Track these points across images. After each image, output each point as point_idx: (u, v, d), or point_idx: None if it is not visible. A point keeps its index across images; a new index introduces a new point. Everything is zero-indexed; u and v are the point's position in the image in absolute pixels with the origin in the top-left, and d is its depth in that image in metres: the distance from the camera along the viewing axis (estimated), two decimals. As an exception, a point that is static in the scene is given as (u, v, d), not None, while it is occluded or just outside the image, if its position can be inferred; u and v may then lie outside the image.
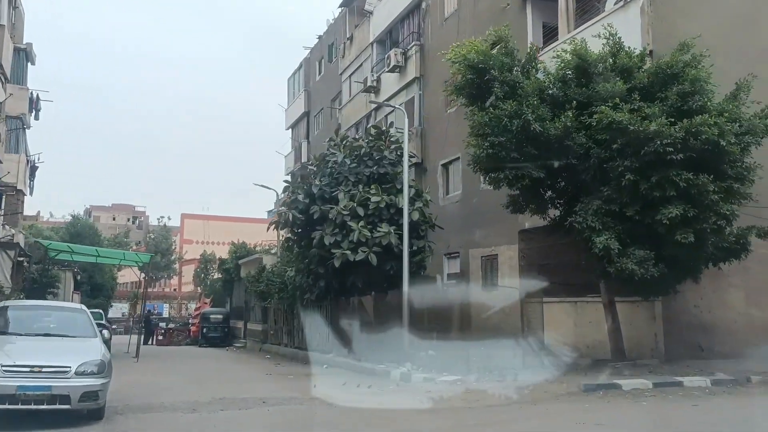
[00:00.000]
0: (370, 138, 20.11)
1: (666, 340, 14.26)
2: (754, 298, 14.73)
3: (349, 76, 32.68)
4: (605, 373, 12.15)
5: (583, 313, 15.57)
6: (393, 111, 26.10)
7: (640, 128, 11.42)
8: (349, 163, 19.21)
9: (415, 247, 18.15)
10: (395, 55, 26.24)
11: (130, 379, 15.20)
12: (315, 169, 20.32)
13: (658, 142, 11.33)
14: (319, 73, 39.00)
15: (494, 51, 13.75)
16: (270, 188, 31.63)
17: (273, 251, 32.20)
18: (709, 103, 11.97)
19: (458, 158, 22.79)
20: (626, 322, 14.14)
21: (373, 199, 17.99)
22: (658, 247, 12.03)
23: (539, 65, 13.80)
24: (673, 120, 11.57)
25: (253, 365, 21.00)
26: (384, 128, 20.61)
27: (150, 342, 35.98)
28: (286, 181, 22.19)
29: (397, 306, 16.46)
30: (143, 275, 26.64)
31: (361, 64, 31.25)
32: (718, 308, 14.54)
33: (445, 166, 23.92)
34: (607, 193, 12.27)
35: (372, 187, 18.34)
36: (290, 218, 19.42)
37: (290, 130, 43.25)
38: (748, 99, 12.57)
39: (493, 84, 13.25)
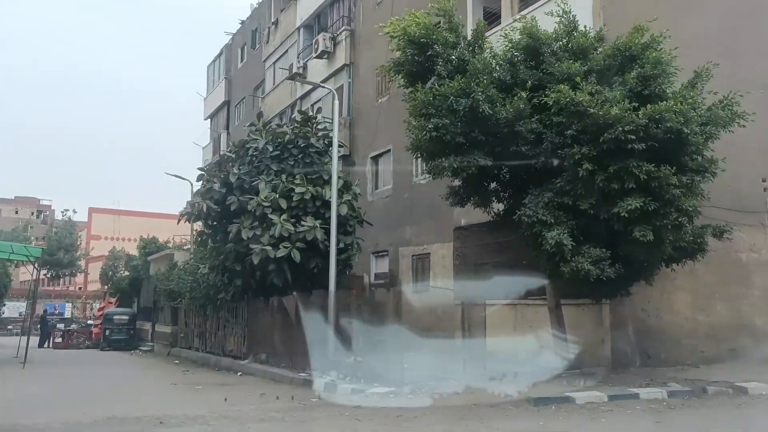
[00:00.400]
0: (296, 124, 18.45)
1: (612, 346, 13.30)
2: (700, 302, 14.02)
3: (274, 63, 30.82)
4: (554, 384, 10.99)
5: (524, 316, 14.50)
6: (320, 100, 24.58)
7: (600, 112, 10.30)
8: (271, 150, 17.53)
9: (342, 244, 16.75)
10: (323, 39, 24.68)
11: (7, 392, 13.13)
12: (234, 156, 18.53)
13: (620, 129, 10.23)
14: (242, 60, 36.89)
15: (438, 27, 12.43)
16: (183, 178, 28.96)
17: (186, 247, 29.88)
18: (670, 89, 11.05)
19: (389, 150, 21.49)
20: (571, 326, 13.07)
21: (298, 190, 16.46)
22: (613, 245, 10.97)
23: (486, 45, 12.56)
24: (635, 105, 10.53)
25: (159, 372, 18.91)
26: (311, 114, 18.99)
27: (46, 345, 33.17)
28: (200, 169, 20.20)
29: (322, 307, 14.96)
30: (36, 271, 23.88)
31: (287, 51, 29.48)
32: (665, 312, 13.73)
33: (375, 159, 22.57)
34: (559, 184, 11.11)
35: (296, 177, 16.78)
36: (204, 209, 17.62)
37: (209, 120, 40.92)
38: (704, 89, 11.72)
39: (436, 61, 11.94)
